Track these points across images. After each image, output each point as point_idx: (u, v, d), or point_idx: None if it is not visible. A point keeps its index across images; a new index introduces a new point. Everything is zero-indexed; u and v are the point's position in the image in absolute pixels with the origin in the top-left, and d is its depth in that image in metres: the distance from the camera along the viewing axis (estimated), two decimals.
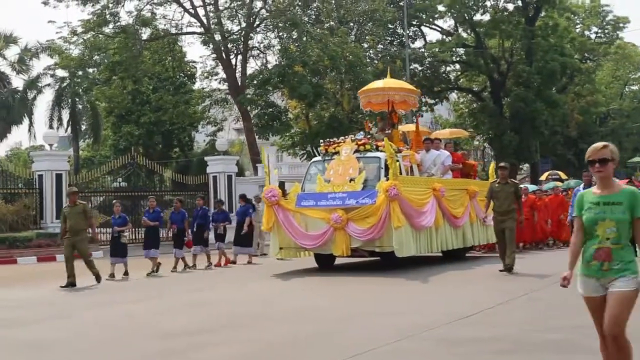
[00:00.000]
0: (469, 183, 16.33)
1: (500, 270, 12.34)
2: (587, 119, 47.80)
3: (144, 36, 31.47)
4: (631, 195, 4.49)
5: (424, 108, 39.60)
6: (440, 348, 6.80)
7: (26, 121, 40.21)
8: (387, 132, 15.49)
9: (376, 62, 35.36)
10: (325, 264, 14.40)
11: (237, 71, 31.74)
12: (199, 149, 41.35)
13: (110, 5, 29.74)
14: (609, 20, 50.58)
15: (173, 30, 32.02)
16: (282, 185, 13.83)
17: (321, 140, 15.89)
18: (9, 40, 39.99)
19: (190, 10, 31.25)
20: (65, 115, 39.22)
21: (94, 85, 34.96)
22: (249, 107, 31.66)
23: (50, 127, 37.24)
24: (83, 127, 40.91)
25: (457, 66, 43.27)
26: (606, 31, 51.02)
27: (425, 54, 39.22)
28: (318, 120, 33.42)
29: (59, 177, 22.59)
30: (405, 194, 13.04)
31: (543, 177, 28.40)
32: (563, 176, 31.16)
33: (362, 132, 15.19)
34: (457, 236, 15.38)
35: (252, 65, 32.91)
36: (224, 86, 33.98)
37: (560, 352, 6.64)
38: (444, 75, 41.67)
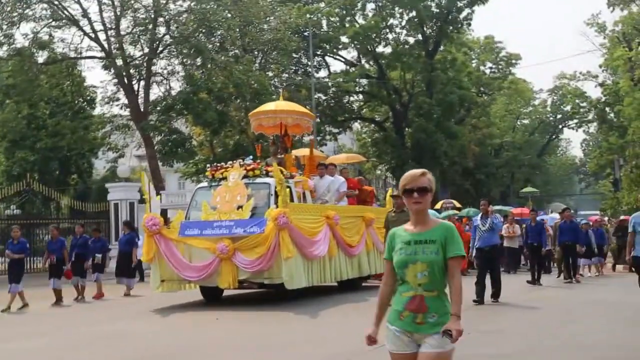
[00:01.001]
0: (365, 210, 15.67)
1: None
2: (483, 150, 49.65)
3: (41, 59, 30.29)
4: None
5: (327, 137, 40.00)
6: None
7: None
8: (279, 156, 14.86)
9: (281, 90, 35.40)
10: (212, 296, 13.53)
11: (139, 97, 30.99)
12: (99, 176, 40.04)
13: (5, 26, 28.47)
14: (502, 57, 53.03)
15: (72, 54, 30.96)
16: (164, 213, 13.03)
17: (207, 165, 15.18)
18: None
19: (91, 34, 30.30)
20: None
21: None
22: (151, 134, 30.95)
23: None
24: None
25: (361, 96, 44.05)
26: (500, 67, 53.43)
27: (330, 83, 39.69)
28: (223, 147, 33.08)
29: None
30: (296, 222, 12.40)
31: (438, 206, 29.02)
32: (457, 204, 32.01)
33: (251, 157, 14.56)
34: (352, 265, 14.78)
35: (155, 91, 32.19)
36: (126, 112, 33.10)
37: None
38: (347, 105, 42.28)
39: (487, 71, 53.10)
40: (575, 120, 60.81)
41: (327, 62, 42.84)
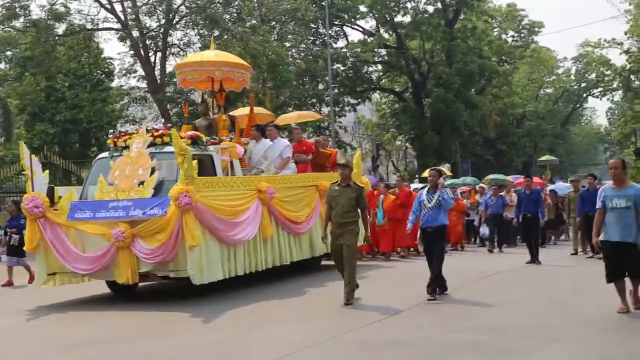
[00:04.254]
0: (319, 178, 13.28)
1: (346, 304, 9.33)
2: (505, 120, 49.05)
3: (59, 31, 30.32)
4: None
5: (346, 108, 39.71)
6: None
7: None
8: (209, 117, 13.10)
9: (298, 61, 35.21)
10: (124, 290, 11.03)
11: (156, 68, 30.96)
12: None
13: None
14: (525, 25, 52.10)
15: (89, 26, 30.94)
16: (51, 191, 10.81)
17: (110, 131, 12.88)
18: None
19: (107, 6, 30.24)
20: None
21: (5, 82, 33.50)
22: (168, 106, 30.94)
23: None
24: None
25: (379, 67, 43.62)
26: (522, 35, 52.51)
27: (348, 54, 39.32)
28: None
29: None
30: (209, 201, 10.16)
31: (426, 174, 27.89)
32: (447, 173, 31.36)
33: (162, 120, 12.54)
34: (300, 245, 12.66)
35: (172, 63, 32.06)
36: (143, 84, 33.11)
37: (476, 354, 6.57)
38: (366, 75, 41.90)
39: (509, 40, 52.22)
40: (600, 89, 59.74)
41: (345, 32, 42.46)
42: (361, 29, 42.41)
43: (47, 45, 28.81)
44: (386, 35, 42.01)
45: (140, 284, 11.39)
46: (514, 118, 53.03)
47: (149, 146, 10.82)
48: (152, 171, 10.49)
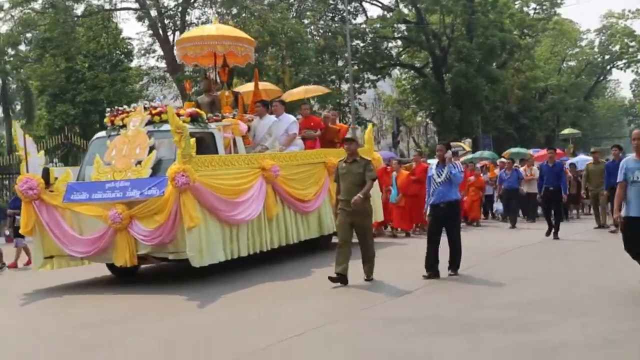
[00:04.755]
0: (327, 154, 12.88)
1: (331, 278, 9.06)
2: (527, 94, 48.46)
3: (77, 12, 30.37)
4: None
5: (366, 84, 39.45)
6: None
7: None
8: (212, 94, 12.68)
9: (317, 38, 34.97)
10: (125, 273, 10.73)
11: (175, 48, 30.91)
12: None
13: None
14: None
15: (107, 6, 30.99)
16: (46, 172, 10.54)
17: (107, 109, 12.47)
18: None
19: None
20: None
21: (25, 64, 33.69)
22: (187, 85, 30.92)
23: None
24: (18, 107, 39.57)
25: (399, 42, 43.20)
26: (544, 7, 51.66)
27: (367, 29, 38.97)
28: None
29: None
30: (209, 180, 9.90)
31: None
32: (466, 147, 30.81)
33: (158, 99, 11.61)
34: (307, 224, 12.36)
35: None
36: (162, 64, 33.13)
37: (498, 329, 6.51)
38: (385, 51, 41.52)
39: (531, 12, 51.39)
40: (624, 60, 58.83)
41: (364, 7, 42.02)
42: (380, 4, 41.98)
43: (66, 26, 28.92)
44: (405, 10, 41.54)
45: (142, 266, 11.19)
46: (536, 92, 52.36)
47: (146, 124, 10.54)
48: (150, 150, 10.21)
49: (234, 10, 30.07)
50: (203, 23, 31.46)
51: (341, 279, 9.00)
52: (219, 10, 30.88)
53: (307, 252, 12.42)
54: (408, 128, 49.31)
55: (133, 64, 36.51)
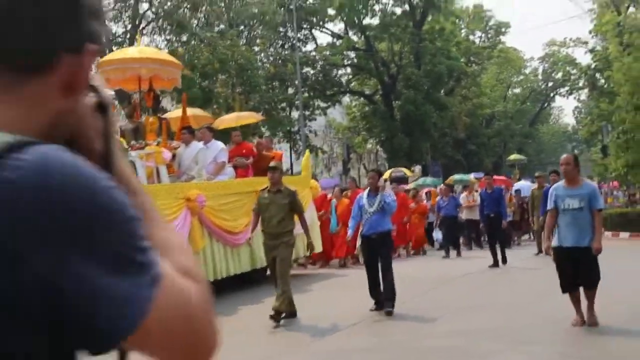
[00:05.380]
0: (260, 183, 11.67)
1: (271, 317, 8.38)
2: (474, 121, 49.35)
3: None
4: None
5: (316, 112, 39.65)
6: None
7: None
8: (135, 120, 12.08)
9: (267, 65, 35.08)
10: None
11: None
12: None
13: None
14: (492, 25, 52.60)
15: None
16: None
17: None
18: None
19: None
20: None
21: None
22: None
23: None
24: None
25: (349, 70, 43.64)
26: (489, 36, 53.00)
27: (317, 57, 39.27)
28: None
29: None
30: None
31: (386, 175, 26.47)
32: (408, 173, 30.57)
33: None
34: (239, 257, 11.58)
35: None
36: (110, 91, 32.70)
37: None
38: (335, 78, 41.89)
39: (477, 40, 52.66)
40: (567, 88, 60.41)
41: (314, 35, 42.39)
42: (330, 32, 42.45)
43: None
44: (355, 38, 42.05)
45: None
46: (483, 118, 53.42)
47: None
48: None
49: (184, 38, 29.98)
50: None
51: (275, 315, 8.35)
52: (168, 37, 30.75)
53: (237, 288, 11.56)
54: (359, 155, 49.62)
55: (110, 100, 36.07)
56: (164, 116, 13.27)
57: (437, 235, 18.63)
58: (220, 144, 12.29)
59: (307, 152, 17.03)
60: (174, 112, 15.28)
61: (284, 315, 8.43)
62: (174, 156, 11.48)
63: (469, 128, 47.75)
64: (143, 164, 10.31)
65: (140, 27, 30.25)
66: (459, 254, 16.88)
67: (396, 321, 8.47)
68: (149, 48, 14.57)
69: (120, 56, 12.34)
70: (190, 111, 15.16)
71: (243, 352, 6.99)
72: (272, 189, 8.78)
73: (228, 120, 17.28)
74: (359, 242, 9.36)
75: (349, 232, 9.67)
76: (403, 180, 26.53)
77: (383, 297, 8.86)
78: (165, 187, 10.29)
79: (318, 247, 13.98)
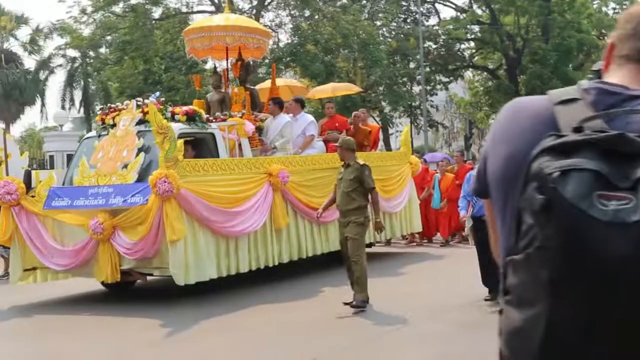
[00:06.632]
0: None
1: (345, 304, 8.05)
2: None
3: (155, 15, 31.23)
4: None
5: (438, 86, 39.15)
6: None
7: (39, 102, 40.35)
8: (221, 91, 11.71)
9: (389, 40, 34.92)
10: (118, 285, 9.52)
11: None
12: None
13: None
14: None
15: (184, 9, 31.73)
16: (28, 175, 9.83)
17: (99, 107, 10.72)
18: (20, 20, 39.96)
19: None
20: (78, 95, 39.29)
21: (106, 66, 34.81)
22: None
23: (62, 107, 37.30)
24: (97, 108, 40.83)
25: (472, 44, 42.68)
26: (624, 7, 50.13)
27: (440, 31, 38.67)
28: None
29: (70, 157, 22.58)
30: (200, 187, 8.77)
31: None
32: None
33: (158, 94, 10.34)
34: (327, 235, 10.97)
35: None
36: None
37: None
38: (458, 53, 41.11)
39: (610, 12, 49.99)
40: None
41: (437, 9, 41.72)
42: (453, 6, 41.57)
43: (145, 29, 29.72)
44: (479, 11, 41.01)
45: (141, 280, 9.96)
46: None
47: (138, 123, 9.40)
48: (138, 152, 9.11)
49: (307, 13, 30.33)
50: (277, 25, 31.86)
51: (352, 304, 8.03)
52: (292, 12, 31.20)
53: (324, 267, 11.04)
54: (480, 130, 48.67)
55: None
56: (254, 87, 12.87)
57: None
58: (309, 117, 11.87)
59: (407, 126, 16.11)
60: (265, 83, 14.59)
61: (354, 302, 7.98)
62: (258, 129, 11.00)
63: None
64: (221, 137, 9.91)
65: (266, 3, 30.88)
66: None
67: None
68: (236, 15, 14.04)
69: (206, 24, 11.98)
70: (284, 82, 14.66)
71: (318, 341, 6.81)
72: (344, 164, 8.47)
73: (323, 90, 16.55)
74: (469, 223, 8.73)
75: (461, 213, 9.07)
76: None
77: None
78: (244, 161, 9.83)
79: (417, 227, 13.65)
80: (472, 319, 7.45)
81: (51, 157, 22.59)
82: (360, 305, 7.92)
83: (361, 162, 8.44)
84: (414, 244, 14.95)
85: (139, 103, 9.61)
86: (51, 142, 23.10)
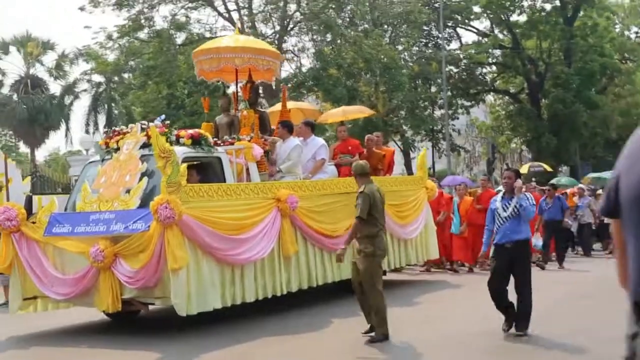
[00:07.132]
0: None
1: (364, 334, 7.87)
2: (628, 120, 46.74)
3: (179, 40, 31.57)
4: None
5: (459, 110, 39.09)
6: None
7: (63, 126, 40.91)
8: (230, 113, 11.48)
9: (411, 64, 35.01)
10: (123, 316, 9.36)
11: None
12: None
13: (146, 10, 29.91)
14: None
15: (207, 35, 32.00)
16: (29, 201, 9.53)
17: (104, 131, 10.66)
18: (47, 46, 40.56)
19: (224, 14, 31.26)
20: (102, 120, 39.74)
21: (130, 90, 35.20)
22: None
23: (86, 132, 37.67)
24: None
25: (494, 68, 42.68)
26: None
27: (461, 55, 38.72)
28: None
29: None
30: (204, 213, 8.40)
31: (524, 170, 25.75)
32: (548, 168, 29.46)
33: (163, 117, 9.56)
34: (338, 263, 9.85)
35: (286, 69, 32.71)
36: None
37: None
38: (480, 77, 41.12)
39: (632, 36, 49.77)
40: None
41: (459, 33, 41.83)
42: (475, 30, 41.69)
43: (169, 54, 30.05)
44: (501, 36, 41.06)
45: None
46: (638, 118, 50.48)
47: (142, 147, 9.07)
48: (141, 177, 8.78)
49: (329, 37, 30.52)
50: (299, 50, 32.05)
51: (370, 333, 7.84)
52: (315, 37, 31.41)
53: (336, 296, 10.73)
54: (502, 155, 48.44)
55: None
56: (264, 110, 12.50)
57: (537, 241, 16.23)
58: (320, 140, 11.53)
59: (424, 150, 15.30)
60: (277, 106, 14.22)
61: (374, 337, 7.71)
62: (266, 153, 10.64)
63: (622, 127, 45.32)
64: (228, 161, 9.58)
65: (288, 28, 31.12)
66: (560, 265, 14.89)
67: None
68: (245, 37, 13.79)
69: (214, 45, 11.61)
70: (296, 105, 14.46)
71: None
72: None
73: (334, 114, 16.27)
74: (491, 252, 8.25)
75: (483, 247, 8.55)
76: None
77: (515, 317, 7.87)
78: (250, 186, 9.40)
79: (434, 254, 13.25)
80: (490, 348, 7.36)
81: (77, 181, 22.76)
82: (380, 340, 7.63)
83: (362, 188, 8.02)
84: (430, 271, 14.58)
85: (143, 126, 9.29)
86: (76, 166, 23.23)
